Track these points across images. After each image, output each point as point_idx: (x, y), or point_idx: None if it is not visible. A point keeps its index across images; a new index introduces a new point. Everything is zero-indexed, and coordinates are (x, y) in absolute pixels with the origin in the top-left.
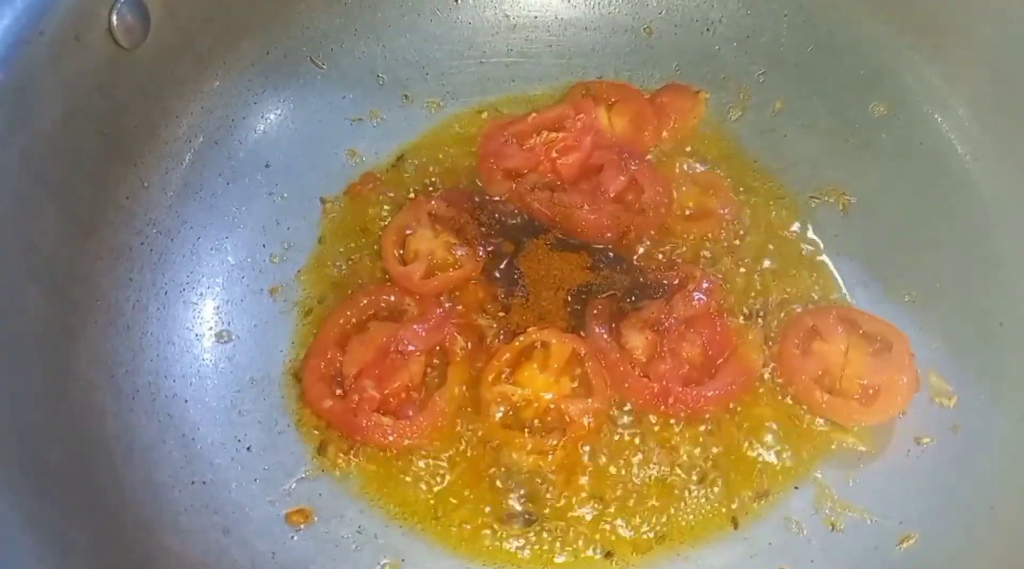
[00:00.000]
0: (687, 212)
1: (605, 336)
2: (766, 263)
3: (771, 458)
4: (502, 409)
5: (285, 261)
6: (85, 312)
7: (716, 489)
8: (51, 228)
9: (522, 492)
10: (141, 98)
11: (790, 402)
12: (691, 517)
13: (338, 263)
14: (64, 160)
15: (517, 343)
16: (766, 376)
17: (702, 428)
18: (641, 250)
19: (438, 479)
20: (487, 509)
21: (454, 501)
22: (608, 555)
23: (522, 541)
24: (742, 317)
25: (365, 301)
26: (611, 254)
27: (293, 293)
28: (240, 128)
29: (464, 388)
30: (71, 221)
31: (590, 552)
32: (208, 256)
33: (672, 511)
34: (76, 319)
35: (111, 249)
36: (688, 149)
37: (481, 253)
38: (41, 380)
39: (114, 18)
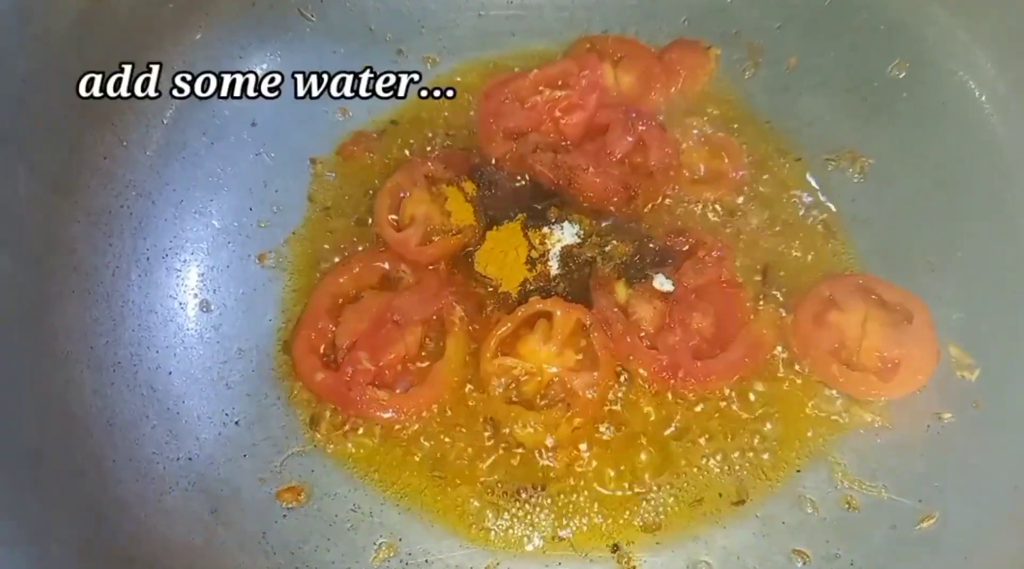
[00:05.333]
0: (697, 175)
1: (611, 306)
2: (779, 229)
3: (783, 434)
4: (503, 383)
5: (273, 225)
6: (61, 280)
7: (726, 465)
8: (22, 191)
9: (525, 469)
10: (119, 52)
11: (805, 375)
12: (700, 495)
13: (329, 228)
14: (35, 120)
15: (519, 313)
16: (780, 348)
17: (710, 402)
18: (649, 215)
19: (437, 455)
20: (488, 487)
21: (453, 478)
22: (615, 535)
23: (525, 520)
24: (755, 286)
25: (358, 268)
26: (617, 219)
27: (282, 259)
28: (224, 84)
29: (463, 360)
30: (44, 184)
31: (596, 532)
32: (192, 220)
33: (681, 489)
34: (52, 288)
35: (88, 213)
36: (698, 108)
37: (480, 217)
38: (15, 354)
39: None
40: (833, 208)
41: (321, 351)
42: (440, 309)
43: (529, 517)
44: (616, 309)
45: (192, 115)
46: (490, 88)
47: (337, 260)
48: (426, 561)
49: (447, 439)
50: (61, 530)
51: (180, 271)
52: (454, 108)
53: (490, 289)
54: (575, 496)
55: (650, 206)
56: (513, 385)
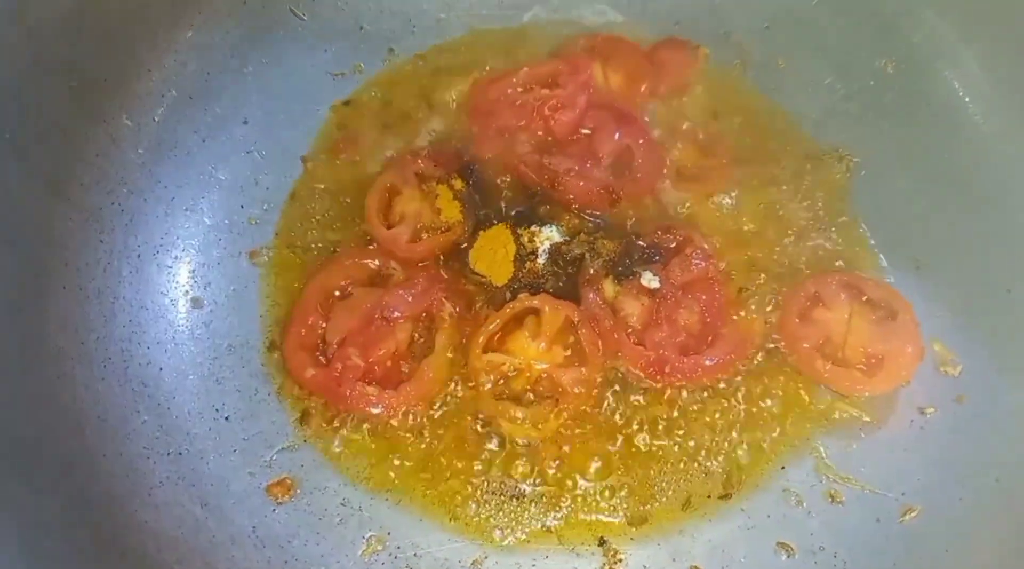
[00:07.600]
0: (684, 173)
1: (599, 302)
2: (766, 227)
3: (769, 428)
4: (492, 378)
5: (264, 222)
6: (53, 276)
7: (712, 460)
8: (15, 188)
9: (514, 464)
10: (111, 49)
11: (790, 371)
12: (687, 489)
13: (320, 226)
14: (28, 116)
15: (508, 309)
16: (766, 344)
17: (697, 397)
18: (637, 212)
19: (425, 450)
20: (477, 481)
21: (443, 473)
22: (602, 528)
23: (512, 514)
24: (741, 283)
25: (348, 265)
26: (606, 217)
27: (272, 256)
28: (216, 82)
29: (452, 356)
30: (37, 181)
31: (583, 525)
32: (183, 217)
33: (667, 483)
34: (44, 284)
35: (80, 210)
36: (686, 107)
37: (470, 215)
38: (7, 349)
39: None
40: (819, 206)
41: (311, 347)
42: (430, 306)
43: (516, 511)
44: (604, 306)
45: (184, 113)
46: (480, 86)
47: (327, 257)
48: (415, 555)
49: (436, 434)
50: (52, 524)
51: (171, 268)
52: (444, 106)
53: (479, 286)
54: (562, 490)
55: (636, 206)
56: (502, 381)
